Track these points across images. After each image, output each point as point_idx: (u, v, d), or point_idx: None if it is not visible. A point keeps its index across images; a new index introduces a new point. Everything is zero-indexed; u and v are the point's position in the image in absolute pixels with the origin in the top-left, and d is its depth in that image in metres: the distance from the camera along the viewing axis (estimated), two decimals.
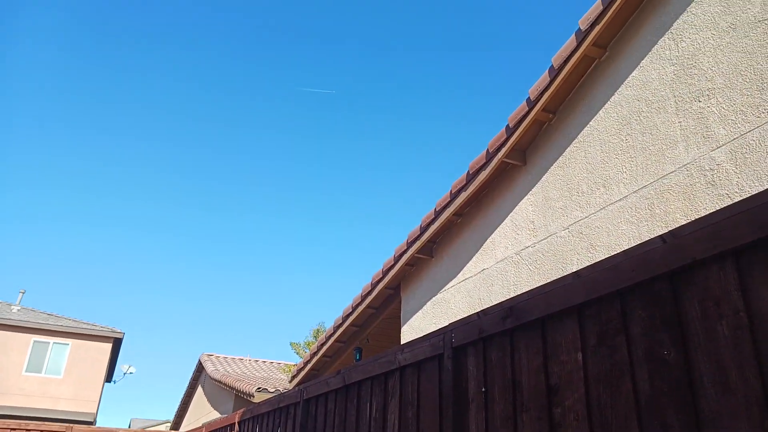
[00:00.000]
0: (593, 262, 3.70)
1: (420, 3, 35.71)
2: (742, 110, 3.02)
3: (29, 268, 36.60)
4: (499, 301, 4.40)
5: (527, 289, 4.16)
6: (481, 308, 4.61)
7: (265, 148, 39.02)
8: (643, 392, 1.66)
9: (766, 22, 3.01)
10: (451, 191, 5.15)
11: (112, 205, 38.17)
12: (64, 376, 23.62)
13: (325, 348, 7.65)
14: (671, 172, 3.33)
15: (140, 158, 37.19)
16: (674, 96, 3.45)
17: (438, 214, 5.31)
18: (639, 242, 3.42)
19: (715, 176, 3.05)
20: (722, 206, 2.90)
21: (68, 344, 24.41)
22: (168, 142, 37.52)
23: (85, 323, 25.62)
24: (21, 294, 26.22)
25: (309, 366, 8.10)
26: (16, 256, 36.27)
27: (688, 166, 3.24)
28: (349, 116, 38.14)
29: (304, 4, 35.37)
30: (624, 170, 3.67)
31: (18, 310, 25.17)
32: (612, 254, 3.53)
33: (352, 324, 7.00)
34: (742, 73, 3.07)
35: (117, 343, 25.88)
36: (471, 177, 4.93)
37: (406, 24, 35.92)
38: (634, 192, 3.55)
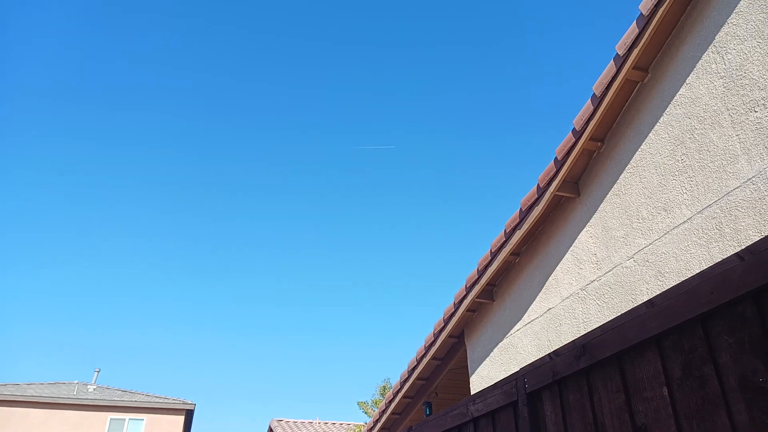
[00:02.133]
0: (664, 290, 3.52)
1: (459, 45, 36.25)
2: None
3: (103, 346, 37.84)
4: (569, 341, 4.22)
5: (598, 326, 3.98)
6: (551, 350, 4.43)
7: (317, 212, 39.72)
8: (741, 425, 1.53)
9: None
10: (505, 230, 5.07)
11: (178, 281, 39.38)
12: None
13: (393, 405, 7.49)
14: (736, 188, 3.18)
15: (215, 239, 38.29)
16: (727, 109, 3.33)
17: (494, 255, 5.21)
18: (711, 264, 3.24)
19: None
20: None
21: (143, 419, 24.89)
22: (230, 214, 38.74)
23: (157, 397, 26.10)
24: (96, 373, 27.06)
25: (379, 425, 7.92)
26: (92, 336, 37.63)
27: (753, 179, 3.08)
28: (397, 171, 38.50)
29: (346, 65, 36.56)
30: (684, 191, 3.53)
31: (94, 389, 25.95)
32: (684, 279, 3.35)
33: (418, 378, 6.85)
34: None
35: (189, 415, 26.18)
36: (524, 214, 4.85)
37: (446, 67, 36.42)
38: (699, 213, 3.39)
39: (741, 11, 3.35)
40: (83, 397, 24.47)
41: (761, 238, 1.57)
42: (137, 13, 32.76)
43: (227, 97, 36.12)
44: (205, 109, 35.88)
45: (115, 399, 24.95)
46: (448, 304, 5.88)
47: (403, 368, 7.14)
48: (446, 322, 5.91)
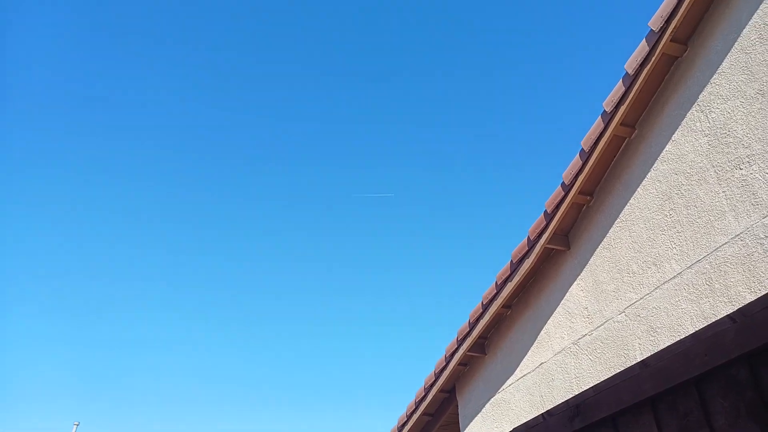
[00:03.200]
0: (656, 345, 3.49)
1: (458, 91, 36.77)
2: None
3: (82, 399, 36.71)
4: (561, 397, 4.14)
5: (590, 381, 3.93)
6: (544, 406, 4.35)
7: (305, 258, 39.51)
8: None
9: None
10: (496, 282, 5.05)
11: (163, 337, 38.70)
12: None
13: None
14: (724, 244, 3.20)
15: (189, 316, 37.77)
16: (713, 166, 3.38)
17: (485, 307, 5.17)
18: (702, 320, 3.22)
19: None
20: None
21: None
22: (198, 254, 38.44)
23: None
24: (75, 426, 26.15)
25: None
26: (70, 388, 36.57)
27: (741, 236, 3.11)
28: (392, 219, 38.55)
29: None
30: (673, 246, 3.55)
31: None
32: (676, 336, 3.33)
33: None
34: None
35: None
36: (515, 266, 4.84)
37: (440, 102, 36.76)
38: (688, 268, 3.40)
39: (723, 72, 3.45)
40: None
41: (752, 301, 1.57)
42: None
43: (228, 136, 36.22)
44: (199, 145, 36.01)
45: None
46: (439, 357, 5.79)
47: (393, 424, 6.96)
48: (437, 376, 5.81)
